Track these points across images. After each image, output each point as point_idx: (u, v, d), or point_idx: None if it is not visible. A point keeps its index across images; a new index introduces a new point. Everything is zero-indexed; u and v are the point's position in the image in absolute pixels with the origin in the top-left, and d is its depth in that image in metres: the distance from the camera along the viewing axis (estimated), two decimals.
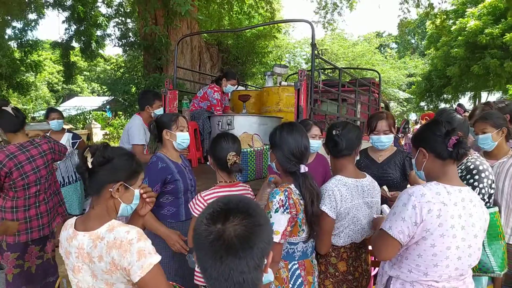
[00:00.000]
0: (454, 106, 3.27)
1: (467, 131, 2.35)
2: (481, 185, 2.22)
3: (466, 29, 15.92)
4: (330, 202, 1.85)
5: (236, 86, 4.77)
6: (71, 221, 1.52)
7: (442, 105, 22.32)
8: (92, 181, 1.45)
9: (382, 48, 27.67)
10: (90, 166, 1.42)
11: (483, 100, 20.58)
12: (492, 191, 2.27)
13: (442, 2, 10.29)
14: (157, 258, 1.40)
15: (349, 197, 1.90)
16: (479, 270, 2.11)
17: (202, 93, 4.74)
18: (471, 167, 2.28)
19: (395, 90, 20.67)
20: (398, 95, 21.07)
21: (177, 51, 5.27)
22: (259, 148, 3.57)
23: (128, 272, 1.35)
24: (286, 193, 1.73)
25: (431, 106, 21.71)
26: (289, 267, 1.83)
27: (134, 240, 1.37)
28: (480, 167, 2.25)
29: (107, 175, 1.45)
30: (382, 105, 7.72)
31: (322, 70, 5.85)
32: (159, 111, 3.61)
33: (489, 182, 2.24)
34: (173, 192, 2.45)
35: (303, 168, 1.79)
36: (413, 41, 35.70)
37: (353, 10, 12.72)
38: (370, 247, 2.00)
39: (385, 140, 2.68)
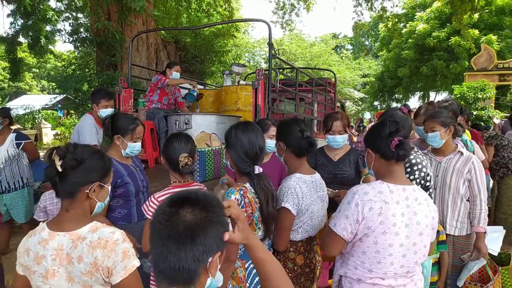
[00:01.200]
0: (423, 109, 3.44)
1: (409, 129, 2.47)
2: (411, 177, 2.30)
3: (416, 32, 16.81)
4: (293, 199, 1.88)
5: (181, 72, 4.76)
6: (41, 226, 1.45)
7: (394, 104, 23.42)
8: (65, 185, 1.39)
9: (338, 49, 28.46)
10: (60, 170, 1.36)
11: (431, 99, 21.78)
12: (427, 184, 2.34)
13: (394, 6, 10.76)
14: (138, 261, 1.41)
15: (308, 193, 1.94)
16: None
17: (149, 89, 4.69)
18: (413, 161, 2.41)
19: (350, 90, 21.38)
20: (354, 95, 21.80)
21: (131, 48, 5.10)
22: (217, 148, 3.54)
23: (110, 272, 1.35)
24: (242, 192, 1.72)
25: (384, 105, 22.69)
26: (246, 266, 1.82)
27: (120, 241, 1.37)
28: (413, 161, 2.33)
29: (81, 177, 1.41)
30: (338, 104, 7.95)
31: (280, 70, 5.90)
32: (105, 112, 3.42)
33: (422, 175, 2.32)
34: (124, 195, 2.38)
35: (258, 169, 1.77)
36: (367, 43, 37.12)
37: (310, 12, 13.03)
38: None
39: (340, 140, 2.75)
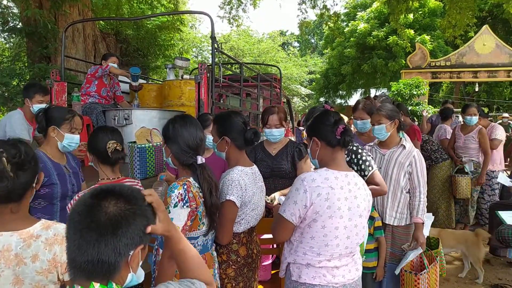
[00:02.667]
0: (349, 101, 3.61)
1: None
2: (364, 158, 2.52)
3: (357, 31, 17.57)
4: (237, 192, 1.88)
5: (118, 63, 4.54)
6: None
7: (339, 101, 24.37)
8: (17, 188, 1.30)
9: (285, 46, 28.99)
10: (12, 175, 1.27)
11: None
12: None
13: (334, 5, 11.13)
14: None
15: (250, 185, 1.95)
16: None
17: (85, 80, 4.41)
18: (354, 149, 2.58)
19: (297, 86, 21.87)
20: (300, 91, 22.33)
21: (65, 39, 4.77)
22: (158, 143, 3.42)
23: (66, 268, 1.25)
24: (185, 187, 1.70)
25: (330, 102, 23.52)
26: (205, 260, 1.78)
27: None
28: (358, 149, 2.58)
29: (30, 175, 1.34)
30: (284, 99, 8.08)
31: (226, 65, 5.86)
32: (39, 107, 3.20)
33: (369, 158, 2.54)
34: (47, 197, 2.18)
35: (200, 159, 1.78)
36: (312, 40, 38.16)
37: (257, 8, 13.08)
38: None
39: (276, 134, 2.77)
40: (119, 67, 4.61)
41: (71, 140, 2.31)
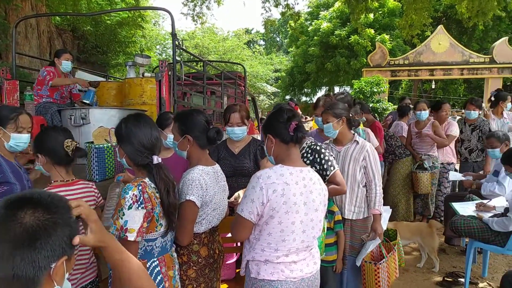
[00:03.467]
0: (314, 99, 3.69)
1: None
2: (326, 157, 2.56)
3: (320, 30, 17.90)
4: (198, 192, 1.85)
5: (72, 60, 4.34)
6: None
7: (304, 98, 24.74)
8: None
9: (251, 44, 29.02)
10: None
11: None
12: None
13: (296, 4, 11.24)
14: None
15: (211, 185, 1.93)
16: None
17: (37, 81, 4.19)
18: (317, 148, 2.60)
19: (263, 84, 21.96)
20: (266, 89, 22.44)
21: (15, 35, 4.51)
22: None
23: None
24: (140, 188, 1.64)
25: (295, 99, 23.81)
26: (147, 265, 1.73)
27: None
28: (321, 148, 2.61)
29: None
30: (249, 97, 8.08)
31: (189, 63, 5.76)
32: None
33: (332, 158, 2.59)
34: (6, 195, 2.08)
35: (156, 159, 1.73)
36: (278, 39, 38.47)
37: (221, 5, 12.98)
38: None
39: (238, 132, 2.76)
40: (76, 64, 4.42)
41: (18, 140, 2.21)
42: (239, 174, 2.77)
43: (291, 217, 1.69)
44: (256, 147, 2.81)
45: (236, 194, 2.54)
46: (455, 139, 4.87)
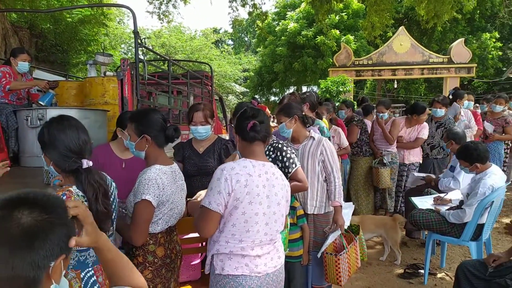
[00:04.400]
0: (286, 99, 3.73)
1: (265, 118, 2.65)
2: (288, 155, 2.59)
3: (287, 30, 18.09)
4: (154, 191, 1.83)
5: (30, 60, 4.16)
6: None
7: (273, 98, 24.92)
8: None
9: (219, 44, 28.88)
10: None
11: None
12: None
13: (263, 4, 11.28)
14: None
15: (168, 184, 1.91)
16: None
17: None
18: (279, 146, 2.64)
19: (232, 84, 21.91)
20: (235, 89, 22.41)
21: None
22: None
23: None
24: (64, 197, 1.53)
25: (264, 99, 23.95)
26: (81, 276, 1.64)
27: None
28: (283, 146, 2.65)
29: None
30: (216, 97, 8.04)
31: (153, 61, 5.65)
32: None
33: (293, 155, 2.62)
34: None
35: (86, 163, 1.61)
36: (246, 39, 38.51)
37: (188, 4, 12.83)
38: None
39: (202, 131, 2.75)
40: (34, 63, 4.23)
41: None
42: (203, 173, 2.76)
43: (255, 208, 1.74)
44: (221, 147, 2.80)
45: (198, 193, 2.52)
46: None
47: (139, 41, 3.76)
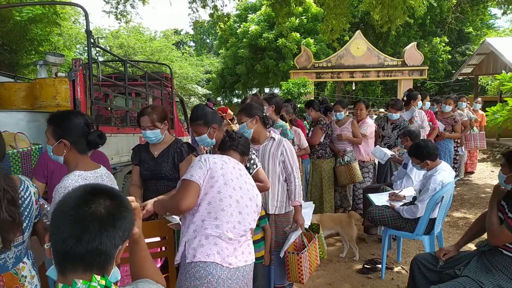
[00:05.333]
0: (249, 99, 3.72)
1: (219, 120, 2.65)
2: (249, 156, 2.54)
3: (249, 32, 18.17)
4: None
5: None
6: None
7: (236, 100, 24.90)
8: None
9: (181, 45, 28.47)
10: None
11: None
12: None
13: (224, 6, 11.26)
14: None
15: None
16: None
17: None
18: None
19: (194, 86, 21.67)
20: (197, 91, 22.19)
21: None
22: (25, 149, 3.03)
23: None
24: None
25: (226, 101, 23.88)
26: None
27: None
28: None
29: None
30: (177, 99, 7.91)
31: (108, 62, 5.46)
32: None
33: (254, 156, 2.64)
34: None
35: None
36: (208, 40, 38.27)
37: (146, 4, 12.52)
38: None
39: (150, 135, 2.67)
40: None
41: None
42: (158, 178, 2.69)
43: (229, 190, 1.87)
44: (175, 150, 2.73)
45: (144, 203, 2.38)
46: (371, 137, 5.23)
47: (92, 40, 3.62)
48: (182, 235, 1.89)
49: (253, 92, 5.58)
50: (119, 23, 13.11)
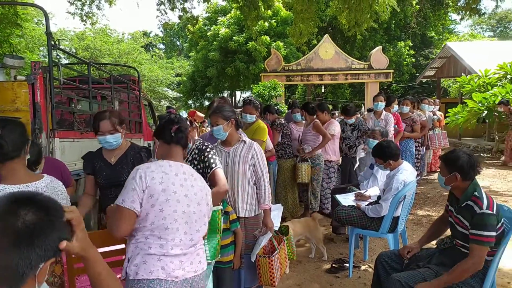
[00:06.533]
0: (216, 103, 3.78)
1: (185, 124, 2.60)
2: (210, 156, 2.57)
3: (219, 35, 18.14)
4: None
5: None
6: None
7: (207, 103, 24.75)
8: None
9: (150, 48, 28.01)
10: None
11: (237, 98, 23.91)
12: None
13: (192, 8, 11.16)
14: None
15: None
16: None
17: None
18: (203, 148, 2.63)
19: (164, 89, 21.36)
20: (168, 94, 21.89)
21: None
22: None
23: None
24: None
25: (197, 104, 23.71)
26: None
27: None
28: (207, 148, 2.63)
29: None
30: (145, 102, 7.78)
31: (71, 65, 5.29)
32: None
33: (215, 157, 2.59)
34: None
35: None
36: (178, 43, 37.86)
37: (113, 5, 12.25)
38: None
39: (111, 140, 2.59)
40: None
41: None
42: (117, 185, 2.60)
43: (173, 205, 1.74)
44: (134, 155, 2.66)
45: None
46: (338, 137, 5.39)
47: (53, 42, 3.50)
48: (127, 250, 1.79)
49: (221, 96, 5.66)
50: (84, 24, 12.78)
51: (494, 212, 2.27)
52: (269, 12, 11.87)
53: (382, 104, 5.66)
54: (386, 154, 3.47)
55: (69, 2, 11.62)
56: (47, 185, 1.86)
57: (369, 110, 6.56)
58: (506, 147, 9.61)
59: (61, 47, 4.08)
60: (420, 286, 2.32)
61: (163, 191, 1.73)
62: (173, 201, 1.75)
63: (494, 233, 2.22)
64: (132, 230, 1.74)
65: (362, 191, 4.01)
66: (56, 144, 3.68)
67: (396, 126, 5.90)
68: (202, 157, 2.57)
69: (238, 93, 24.08)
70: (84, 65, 8.52)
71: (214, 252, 2.37)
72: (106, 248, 2.24)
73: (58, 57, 13.49)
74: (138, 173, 1.74)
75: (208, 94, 22.37)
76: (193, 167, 2.55)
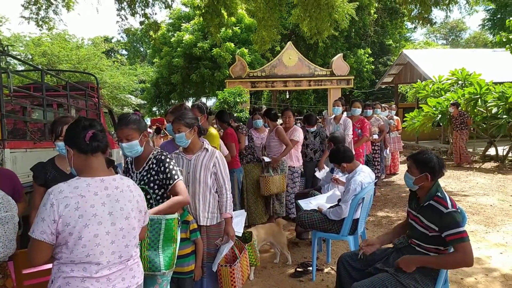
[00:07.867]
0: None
1: (144, 127, 2.51)
2: (170, 167, 2.48)
3: (183, 41, 17.98)
4: None
5: None
6: None
7: None
8: None
9: (112, 54, 27.29)
10: None
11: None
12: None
13: (154, 14, 10.99)
14: None
15: None
16: (149, 269, 2.23)
17: None
18: (162, 158, 2.51)
19: (127, 95, 20.83)
20: (131, 101, 21.37)
21: None
22: None
23: None
24: None
25: (162, 111, 23.28)
26: None
27: None
28: (166, 158, 2.53)
29: None
30: (105, 110, 7.55)
31: (22, 72, 5.06)
32: None
33: (176, 168, 2.52)
34: None
35: None
36: (142, 49, 37.13)
37: (72, 10, 11.82)
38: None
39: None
40: None
41: None
42: None
43: (93, 229, 1.61)
44: None
45: None
46: (301, 144, 5.49)
47: (1, 48, 3.33)
48: (52, 271, 1.71)
49: (180, 103, 5.65)
50: (40, 30, 12.23)
51: (458, 210, 2.38)
52: (233, 19, 11.92)
53: (339, 109, 5.92)
54: (339, 158, 3.63)
55: (22, 6, 11.11)
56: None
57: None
58: (454, 148, 10.15)
59: (12, 53, 3.88)
60: (403, 259, 2.42)
61: (81, 217, 1.59)
62: (93, 225, 1.62)
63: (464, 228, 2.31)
64: (49, 257, 1.64)
65: (323, 195, 4.10)
66: (6, 155, 3.49)
67: (360, 130, 6.12)
68: (162, 168, 2.48)
69: (203, 99, 23.87)
70: (39, 72, 8.17)
71: (170, 262, 2.31)
72: (37, 268, 2.14)
73: (13, 63, 12.84)
74: (49, 200, 1.58)
75: (173, 101, 22.02)
76: (149, 177, 2.50)
